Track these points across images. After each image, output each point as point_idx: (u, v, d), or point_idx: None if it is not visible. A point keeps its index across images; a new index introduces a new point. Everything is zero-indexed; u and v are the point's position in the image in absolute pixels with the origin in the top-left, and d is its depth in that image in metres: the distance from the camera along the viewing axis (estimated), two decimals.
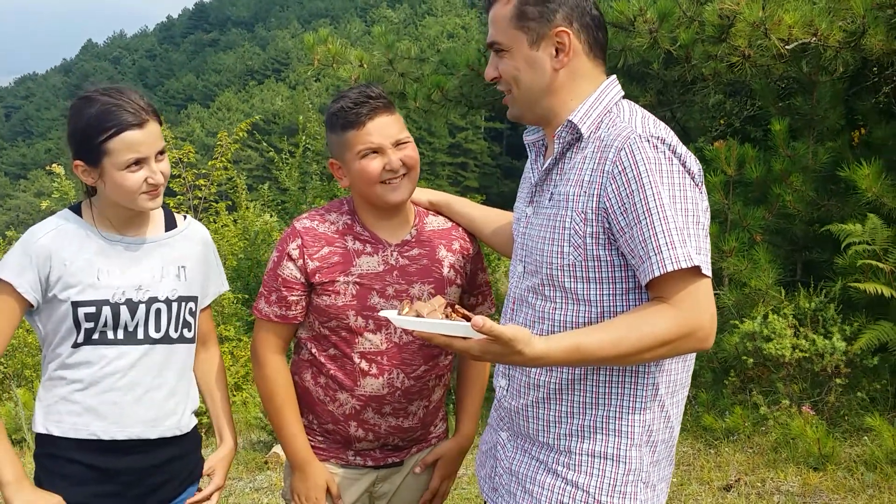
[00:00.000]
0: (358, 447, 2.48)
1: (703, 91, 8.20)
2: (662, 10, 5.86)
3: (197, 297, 2.45)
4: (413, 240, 2.45)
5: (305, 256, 2.37)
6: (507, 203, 2.36)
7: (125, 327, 2.29)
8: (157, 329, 2.34)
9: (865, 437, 5.08)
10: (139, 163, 2.23)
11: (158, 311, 2.34)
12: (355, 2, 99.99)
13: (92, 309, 2.25)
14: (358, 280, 2.37)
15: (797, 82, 6.83)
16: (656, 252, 1.77)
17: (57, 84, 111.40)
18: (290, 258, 2.38)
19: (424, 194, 2.56)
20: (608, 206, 1.84)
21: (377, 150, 2.32)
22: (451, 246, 2.50)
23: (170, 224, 2.46)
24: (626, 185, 1.81)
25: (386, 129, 2.33)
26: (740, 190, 6.60)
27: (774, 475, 4.84)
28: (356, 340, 2.38)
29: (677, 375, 1.98)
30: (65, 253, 2.26)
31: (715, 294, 6.20)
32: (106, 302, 2.27)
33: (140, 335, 2.32)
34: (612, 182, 1.83)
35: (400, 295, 2.38)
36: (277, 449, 6.09)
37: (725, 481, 4.82)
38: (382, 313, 1.91)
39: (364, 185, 2.35)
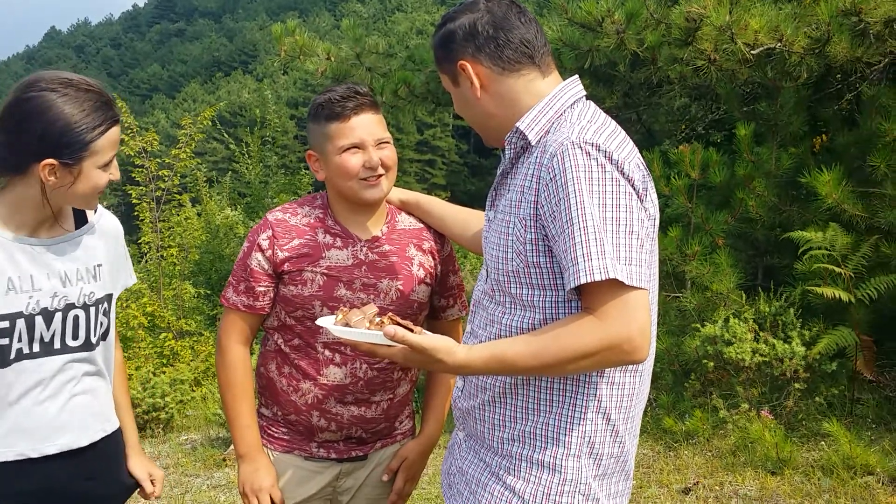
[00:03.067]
0: (321, 438, 2.47)
1: (669, 94, 8.23)
2: (630, 11, 5.86)
3: (111, 294, 2.29)
4: (383, 237, 2.47)
5: (275, 247, 2.39)
6: (473, 200, 2.35)
7: (41, 338, 2.11)
8: (76, 337, 2.17)
9: (823, 443, 5.13)
10: (111, 160, 2.11)
11: (76, 319, 2.16)
12: None
13: (5, 323, 2.05)
14: (326, 272, 2.39)
15: (762, 87, 6.87)
16: (573, 262, 1.74)
17: (19, 71, 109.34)
18: (260, 249, 2.41)
19: (395, 193, 2.56)
20: (542, 213, 1.83)
21: (359, 146, 2.34)
22: (422, 245, 2.51)
23: (80, 219, 2.25)
24: (555, 193, 1.79)
25: (369, 126, 2.36)
26: (704, 194, 6.63)
27: (733, 479, 4.87)
28: (320, 330, 2.39)
29: (627, 389, 1.94)
30: None
31: (676, 297, 6.28)
32: (19, 314, 2.07)
33: (57, 345, 2.13)
34: (545, 189, 1.82)
35: (367, 288, 2.40)
36: None
37: (684, 484, 4.84)
38: (319, 321, 2.00)
39: (341, 179, 2.36)
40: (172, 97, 76.74)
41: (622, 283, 1.72)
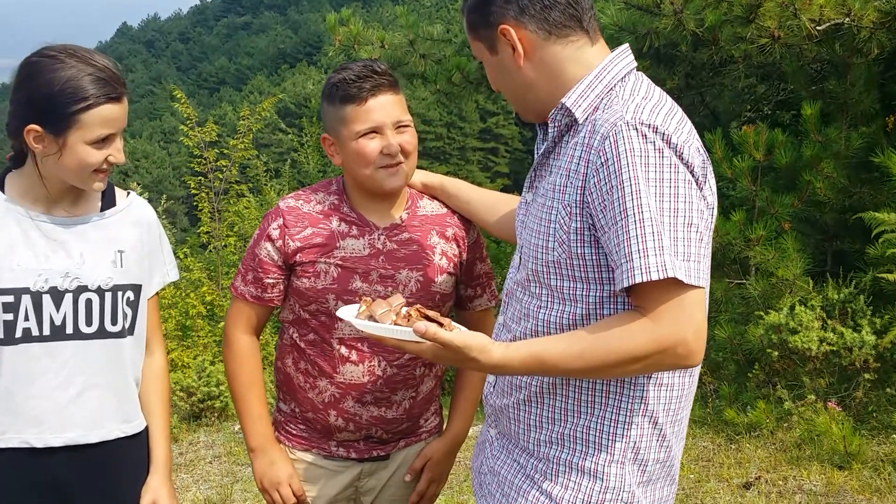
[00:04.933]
0: (339, 437, 2.36)
1: (734, 74, 7.96)
2: None
3: (139, 286, 2.19)
4: (403, 224, 2.31)
5: (286, 237, 2.27)
6: None
7: (51, 321, 2.04)
8: (89, 322, 2.08)
9: (894, 435, 4.89)
10: (107, 139, 2.03)
11: (89, 302, 2.07)
12: None
13: (10, 298, 2.00)
14: (340, 262, 2.25)
15: (830, 65, 6.59)
16: (627, 259, 1.59)
17: None
18: (270, 238, 2.29)
19: (418, 176, 2.41)
20: (590, 201, 1.67)
21: (376, 130, 2.18)
22: (445, 232, 2.35)
23: (108, 202, 2.19)
24: (607, 180, 1.63)
25: (388, 108, 2.20)
26: (769, 176, 6.38)
27: (797, 473, 4.67)
28: (335, 325, 2.27)
29: (676, 391, 1.79)
30: None
31: (740, 283, 6.07)
32: (26, 290, 2.01)
33: (69, 329, 2.06)
34: (595, 174, 1.66)
35: (385, 280, 2.26)
36: None
37: (745, 478, 4.66)
38: (340, 313, 1.86)
39: (359, 166, 2.22)
40: (239, 90, 77.87)
41: (680, 281, 1.57)
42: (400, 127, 2.21)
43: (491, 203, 2.36)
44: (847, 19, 5.17)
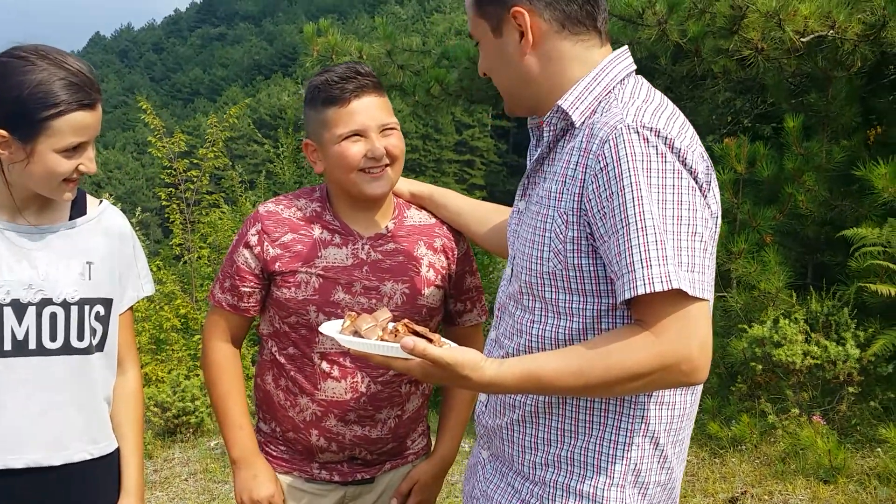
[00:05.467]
0: (322, 459, 2.23)
1: (713, 88, 7.97)
2: (672, 0, 5.65)
3: (110, 300, 2.04)
4: (389, 234, 2.20)
5: (265, 243, 2.15)
6: (512, 201, 2.11)
7: (12, 335, 1.90)
8: (53, 338, 1.94)
9: (879, 449, 4.86)
10: (78, 147, 1.91)
11: (54, 316, 1.94)
12: None
13: None
14: (322, 273, 2.14)
15: (811, 78, 6.61)
16: (629, 270, 1.50)
17: None
18: (247, 245, 2.18)
19: (406, 185, 2.31)
20: (588, 208, 1.58)
21: (360, 133, 2.08)
22: (433, 244, 2.24)
23: (78, 210, 2.05)
24: (607, 186, 1.54)
25: (372, 110, 2.10)
26: (750, 189, 6.38)
27: (782, 487, 4.63)
28: (316, 339, 2.15)
29: (678, 410, 1.70)
30: None
31: (722, 296, 6.04)
32: None
33: (32, 344, 1.92)
34: (593, 180, 1.56)
35: (369, 292, 2.15)
36: None
37: (731, 493, 4.61)
38: (323, 328, 1.75)
39: (341, 171, 2.11)
40: (214, 101, 77.49)
41: (685, 293, 1.49)
42: (385, 130, 2.11)
43: (481, 213, 2.26)
44: (831, 31, 5.17)
